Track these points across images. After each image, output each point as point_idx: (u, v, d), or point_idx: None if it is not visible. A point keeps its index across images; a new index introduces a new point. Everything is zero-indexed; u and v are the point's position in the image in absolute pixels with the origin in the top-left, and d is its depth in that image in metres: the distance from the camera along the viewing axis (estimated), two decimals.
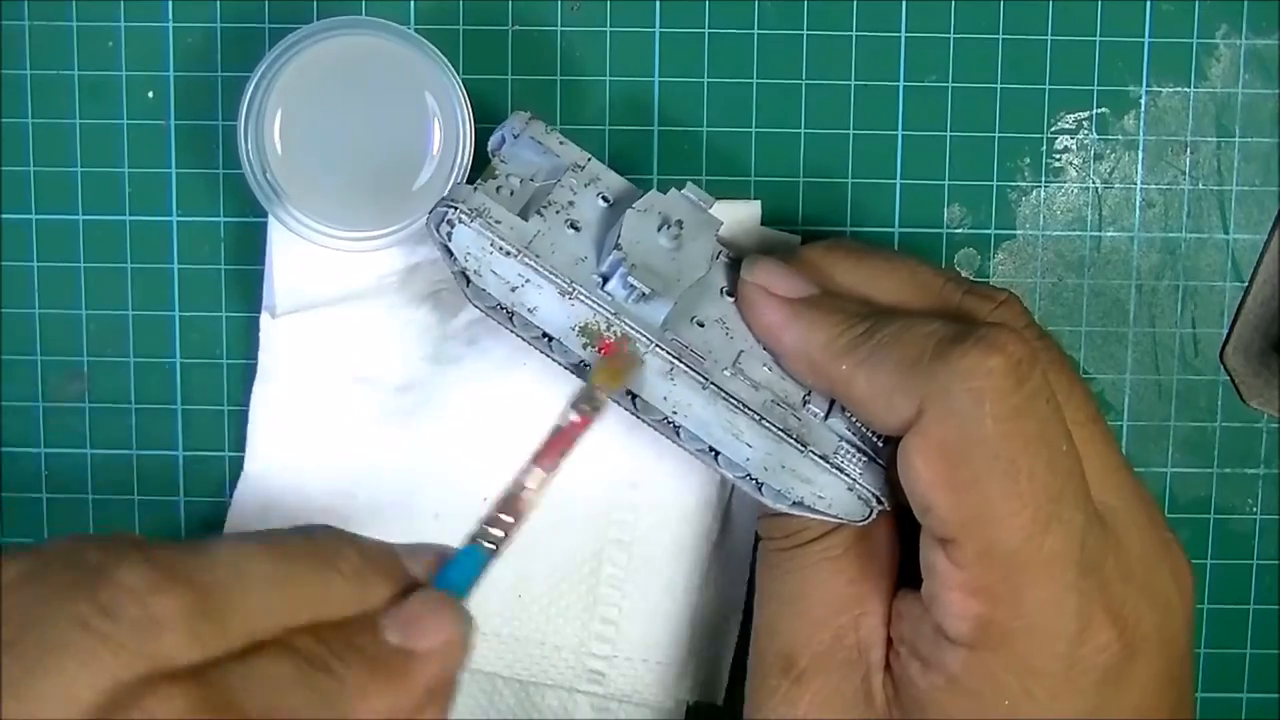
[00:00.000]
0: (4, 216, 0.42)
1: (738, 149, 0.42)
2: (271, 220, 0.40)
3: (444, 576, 0.30)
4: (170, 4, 0.41)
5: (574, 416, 0.33)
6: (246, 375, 0.42)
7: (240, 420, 0.42)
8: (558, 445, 0.32)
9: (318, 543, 0.29)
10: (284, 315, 0.40)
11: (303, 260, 0.40)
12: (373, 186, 0.39)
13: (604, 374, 0.34)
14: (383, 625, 0.29)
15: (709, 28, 0.41)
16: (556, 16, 0.41)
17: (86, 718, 0.25)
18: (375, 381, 0.41)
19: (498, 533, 0.31)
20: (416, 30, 0.39)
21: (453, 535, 0.41)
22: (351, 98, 0.39)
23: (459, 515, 0.41)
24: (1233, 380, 0.43)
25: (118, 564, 0.27)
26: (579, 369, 0.35)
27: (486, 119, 0.38)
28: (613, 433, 0.41)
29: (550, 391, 0.41)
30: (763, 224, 0.41)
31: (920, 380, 0.32)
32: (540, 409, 0.41)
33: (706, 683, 0.42)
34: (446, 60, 0.38)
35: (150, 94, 0.41)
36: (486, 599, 0.41)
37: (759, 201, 0.41)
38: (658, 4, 0.41)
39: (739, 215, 0.41)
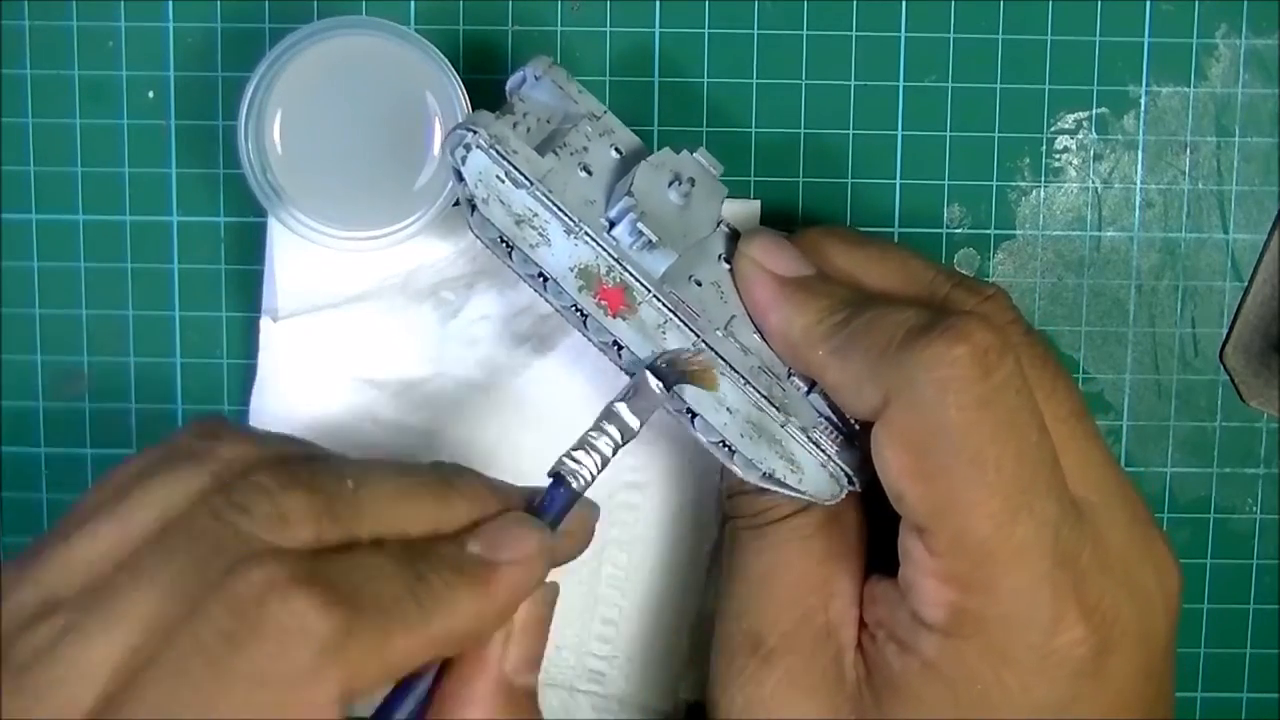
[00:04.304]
0: (4, 216, 0.42)
1: (738, 148, 0.42)
2: (272, 220, 0.40)
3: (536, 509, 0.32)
4: (170, 4, 0.41)
5: (655, 385, 0.33)
6: (246, 375, 0.42)
7: (240, 420, 0.42)
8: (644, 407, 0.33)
9: (442, 467, 0.32)
10: (285, 317, 0.40)
11: (303, 261, 0.40)
12: (373, 186, 0.39)
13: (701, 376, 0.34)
14: (465, 539, 0.30)
15: (709, 28, 0.41)
16: (556, 16, 0.41)
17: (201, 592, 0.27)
18: (376, 382, 0.41)
19: (582, 469, 0.32)
20: (416, 30, 0.39)
21: None
22: (351, 98, 0.39)
23: None
24: (1233, 380, 0.43)
25: (255, 468, 0.29)
26: (570, 311, 0.35)
27: None
28: None
29: (550, 392, 0.41)
30: (762, 224, 0.41)
31: (887, 370, 0.32)
32: (540, 410, 0.41)
33: (706, 683, 0.42)
34: (446, 60, 0.38)
35: (150, 94, 0.41)
36: None
37: (759, 201, 0.41)
38: (658, 4, 0.41)
39: (739, 215, 0.41)
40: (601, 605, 0.41)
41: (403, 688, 0.30)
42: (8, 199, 0.42)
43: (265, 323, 0.41)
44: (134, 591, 0.27)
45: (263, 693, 0.26)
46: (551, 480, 0.32)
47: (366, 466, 0.31)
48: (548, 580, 0.31)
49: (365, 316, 0.41)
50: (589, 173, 0.35)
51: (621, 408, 0.33)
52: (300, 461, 0.30)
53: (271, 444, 0.31)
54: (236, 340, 0.42)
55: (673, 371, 0.34)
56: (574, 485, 0.32)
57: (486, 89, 0.40)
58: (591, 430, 0.33)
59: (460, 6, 0.41)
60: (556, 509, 0.31)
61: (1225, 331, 0.43)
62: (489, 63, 0.41)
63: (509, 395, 0.41)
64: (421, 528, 0.30)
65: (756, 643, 0.35)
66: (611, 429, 0.33)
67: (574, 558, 0.34)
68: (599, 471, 0.32)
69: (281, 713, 0.26)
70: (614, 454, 0.33)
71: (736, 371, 0.35)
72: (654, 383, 0.34)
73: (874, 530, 0.36)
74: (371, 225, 0.39)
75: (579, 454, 0.32)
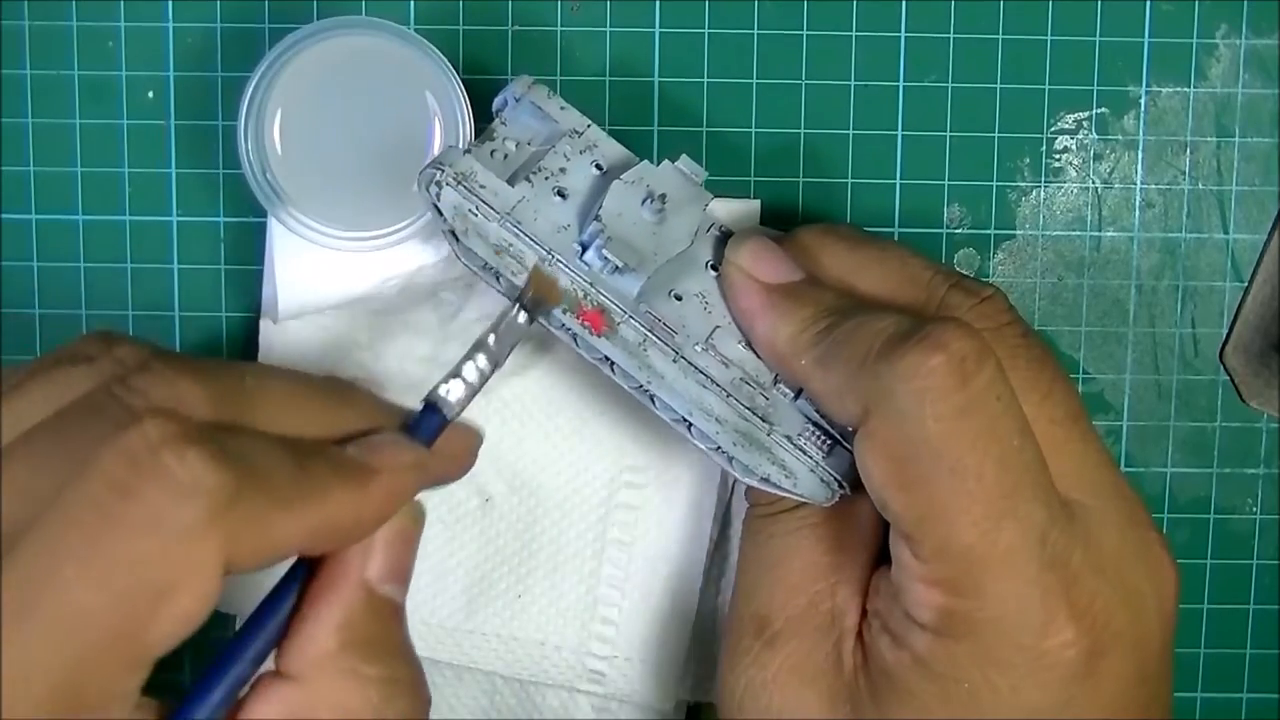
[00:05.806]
0: (4, 216, 0.42)
1: (737, 148, 0.42)
2: (272, 220, 0.40)
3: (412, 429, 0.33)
4: (170, 4, 0.41)
5: (522, 319, 0.34)
6: None
7: None
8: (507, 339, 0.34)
9: (338, 380, 0.33)
10: (285, 317, 0.40)
11: (303, 261, 0.40)
12: (373, 186, 0.39)
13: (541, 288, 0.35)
14: (345, 445, 0.30)
15: (709, 28, 0.41)
16: (556, 16, 0.41)
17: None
18: (376, 383, 0.41)
19: (453, 397, 0.33)
20: (416, 30, 0.39)
21: (454, 537, 0.41)
22: (351, 98, 0.39)
23: (460, 518, 0.41)
24: (1233, 380, 0.43)
25: (151, 361, 0.29)
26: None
27: (486, 119, 0.38)
28: (613, 431, 0.41)
29: (550, 393, 0.41)
30: (761, 224, 0.41)
31: (866, 381, 0.32)
32: (540, 411, 0.41)
33: (707, 683, 0.42)
34: (446, 60, 0.38)
35: (150, 94, 0.41)
36: (486, 599, 0.41)
37: (759, 201, 0.41)
38: (658, 4, 0.41)
39: (738, 214, 0.41)
40: (601, 605, 0.41)
41: (271, 597, 0.30)
42: (8, 199, 0.42)
43: (265, 323, 0.41)
44: (27, 457, 0.27)
45: (149, 541, 0.25)
46: (424, 406, 0.33)
47: (263, 369, 0.31)
48: (416, 501, 0.32)
49: (365, 317, 0.41)
50: (563, 196, 0.35)
51: (490, 340, 0.33)
52: (196, 359, 0.30)
53: (167, 349, 0.31)
54: (236, 340, 0.42)
55: (528, 301, 0.34)
56: (445, 412, 0.32)
57: (486, 89, 0.40)
58: (463, 361, 0.33)
59: (460, 6, 0.41)
60: (429, 433, 0.32)
61: (1225, 331, 0.43)
62: (489, 63, 0.41)
63: (509, 396, 0.41)
64: (309, 432, 0.30)
65: (763, 625, 0.35)
66: (481, 359, 0.33)
67: (453, 478, 0.34)
68: (468, 399, 0.33)
69: (165, 566, 0.25)
70: (482, 383, 0.33)
71: (719, 386, 0.35)
72: (521, 316, 0.34)
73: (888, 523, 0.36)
74: (371, 225, 0.39)
75: (451, 383, 0.33)
